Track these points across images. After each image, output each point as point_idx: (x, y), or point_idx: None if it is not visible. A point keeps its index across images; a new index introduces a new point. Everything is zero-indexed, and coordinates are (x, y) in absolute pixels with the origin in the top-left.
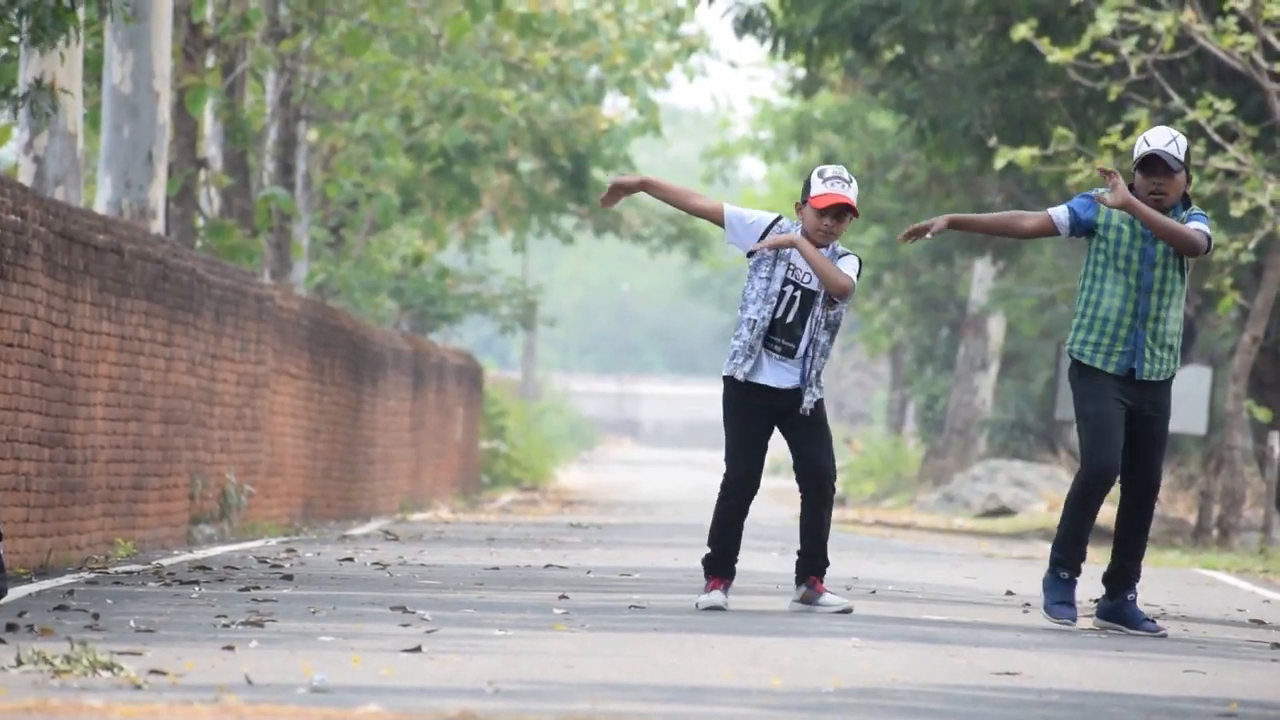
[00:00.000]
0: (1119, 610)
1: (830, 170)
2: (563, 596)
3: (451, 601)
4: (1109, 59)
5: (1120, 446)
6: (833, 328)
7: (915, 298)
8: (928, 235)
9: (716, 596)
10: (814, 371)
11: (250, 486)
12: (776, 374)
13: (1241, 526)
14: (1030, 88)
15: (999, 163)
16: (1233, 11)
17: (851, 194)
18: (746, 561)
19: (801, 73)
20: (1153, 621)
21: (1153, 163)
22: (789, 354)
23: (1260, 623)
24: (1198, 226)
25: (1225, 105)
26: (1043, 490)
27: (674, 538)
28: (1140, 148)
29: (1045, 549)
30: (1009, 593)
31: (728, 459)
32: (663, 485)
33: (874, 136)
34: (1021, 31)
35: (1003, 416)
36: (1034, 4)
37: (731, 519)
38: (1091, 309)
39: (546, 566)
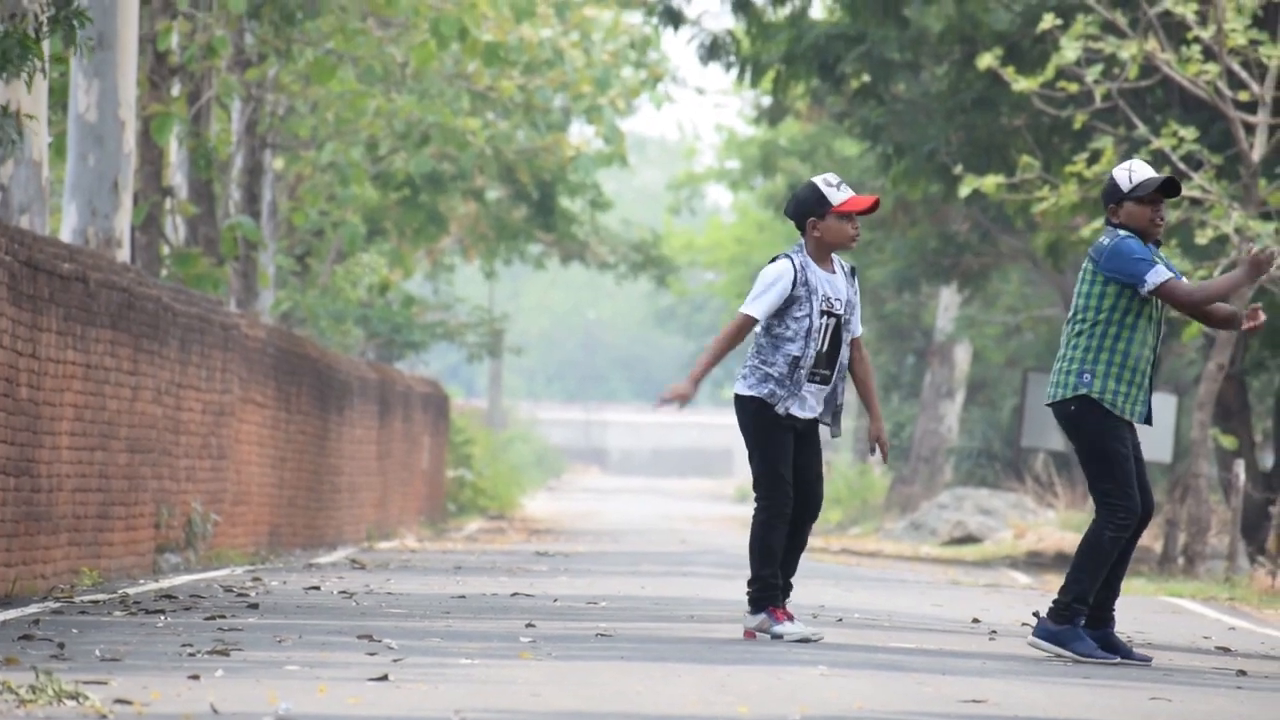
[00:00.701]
0: (1108, 640)
1: (833, 178)
2: (530, 625)
3: (418, 630)
4: (1074, 87)
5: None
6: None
7: (881, 325)
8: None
9: (801, 628)
10: (840, 398)
11: (216, 515)
12: (810, 404)
13: (1207, 554)
14: (996, 115)
15: (964, 190)
16: (1197, 40)
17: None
18: (711, 590)
19: (768, 100)
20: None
21: (1167, 188)
22: (826, 380)
23: (1226, 650)
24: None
25: (1190, 133)
26: (1009, 518)
27: (640, 566)
28: (1134, 178)
29: (1012, 576)
30: (975, 620)
31: (767, 480)
32: (629, 513)
33: (839, 165)
34: (987, 60)
35: (969, 444)
36: (999, 33)
37: (781, 542)
38: (1120, 357)
39: (513, 595)
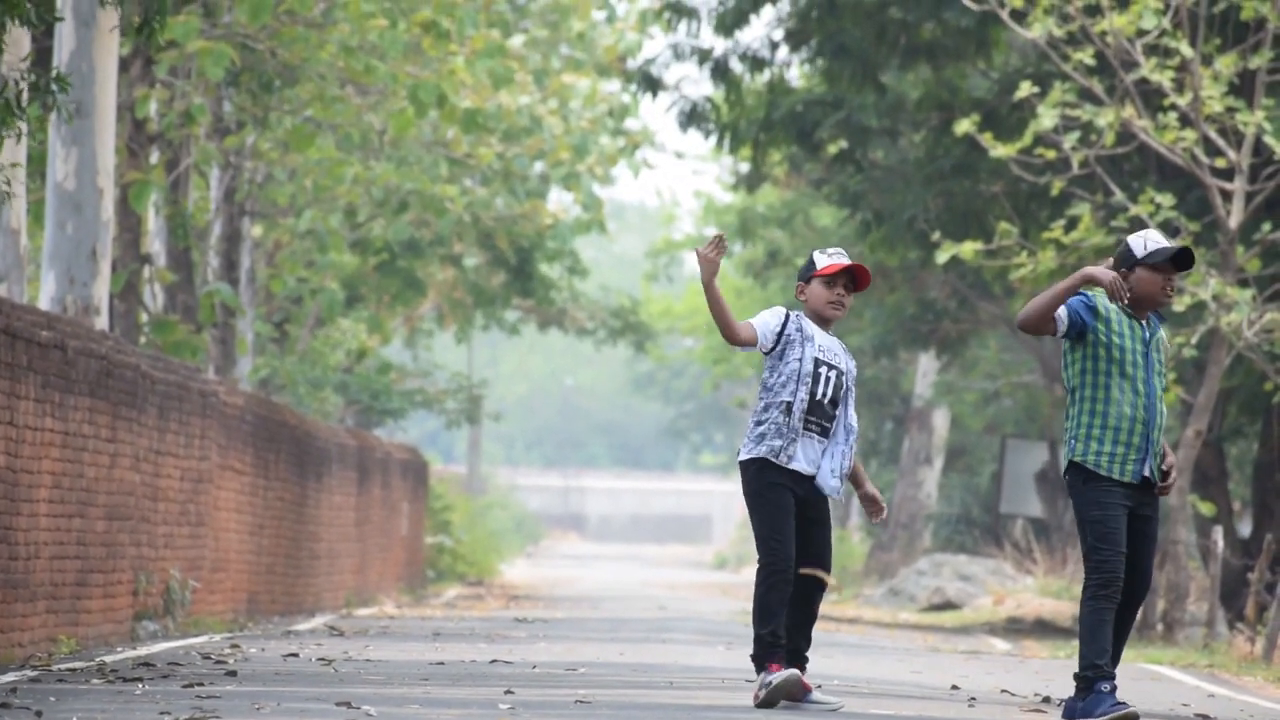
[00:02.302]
0: None
1: (831, 249)
2: (508, 691)
3: (397, 697)
4: (1051, 154)
5: (1124, 550)
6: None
7: (859, 391)
8: None
9: (787, 672)
10: (845, 460)
11: (194, 582)
12: (808, 455)
13: (1186, 621)
14: (974, 182)
15: (942, 257)
16: (1174, 107)
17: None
18: (691, 657)
19: (745, 167)
20: None
21: (1182, 259)
22: (825, 433)
23: (1205, 718)
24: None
25: (1167, 200)
26: (988, 584)
27: (619, 632)
28: (1149, 245)
29: (991, 643)
30: (954, 687)
31: (767, 541)
32: (608, 580)
33: (818, 232)
34: (964, 126)
35: (948, 510)
36: (977, 100)
37: (781, 602)
38: (1100, 419)
39: (492, 662)
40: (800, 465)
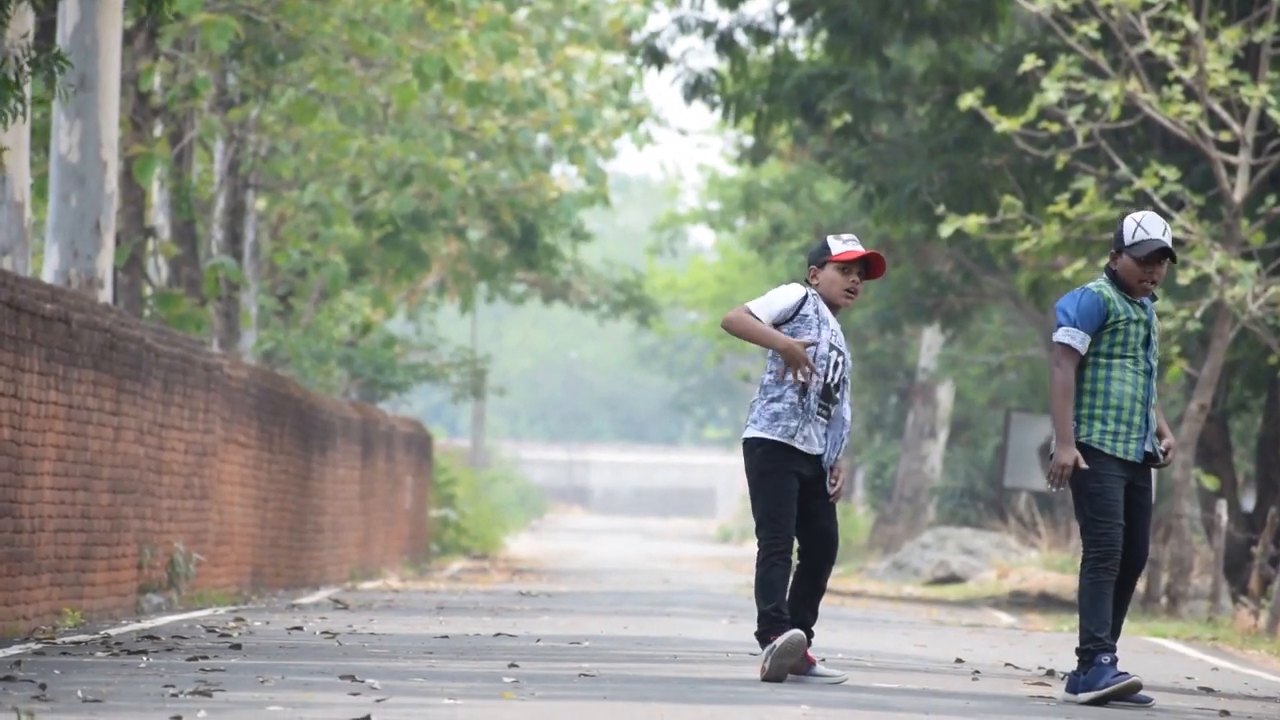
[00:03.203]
0: None
1: (845, 235)
2: (512, 665)
3: (401, 670)
4: (1056, 128)
5: (1123, 522)
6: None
7: (864, 365)
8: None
9: (789, 633)
10: (840, 448)
11: (199, 555)
12: (816, 437)
13: (1190, 594)
14: (977, 156)
15: (946, 230)
16: (1178, 81)
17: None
18: (695, 630)
19: (750, 140)
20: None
21: (1162, 256)
22: (828, 417)
23: (1209, 690)
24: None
25: (1171, 174)
26: (992, 558)
27: (623, 606)
28: (1138, 234)
29: (995, 616)
30: (959, 660)
31: (769, 522)
32: (612, 553)
33: (822, 206)
34: (969, 100)
35: (952, 484)
36: (981, 73)
37: (783, 579)
38: (1102, 398)
39: (496, 635)
40: (812, 446)
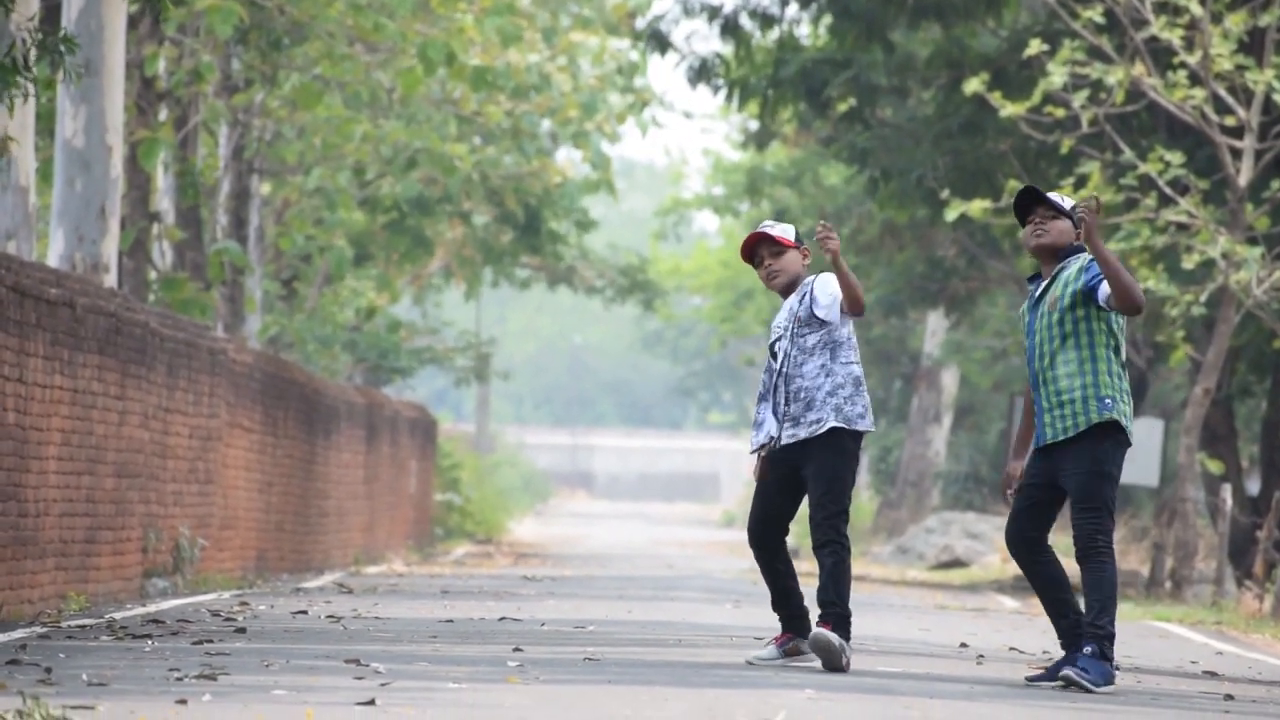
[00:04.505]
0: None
1: (768, 221)
2: (517, 649)
3: (405, 654)
4: (1061, 112)
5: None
6: None
7: (868, 350)
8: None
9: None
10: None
11: (203, 540)
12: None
13: (1194, 579)
14: (982, 140)
15: (951, 214)
16: (1183, 65)
17: (772, 231)
18: (699, 615)
19: (754, 125)
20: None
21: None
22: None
23: (1213, 674)
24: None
25: (1176, 158)
26: (996, 542)
27: (628, 590)
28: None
29: (999, 600)
30: (963, 645)
31: (845, 511)
32: (616, 538)
33: (826, 191)
34: (974, 85)
35: (956, 468)
36: (986, 58)
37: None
38: (1125, 380)
39: (501, 619)
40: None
